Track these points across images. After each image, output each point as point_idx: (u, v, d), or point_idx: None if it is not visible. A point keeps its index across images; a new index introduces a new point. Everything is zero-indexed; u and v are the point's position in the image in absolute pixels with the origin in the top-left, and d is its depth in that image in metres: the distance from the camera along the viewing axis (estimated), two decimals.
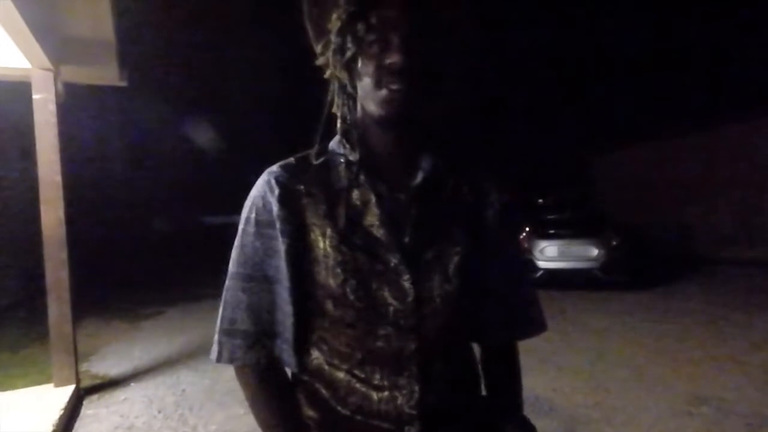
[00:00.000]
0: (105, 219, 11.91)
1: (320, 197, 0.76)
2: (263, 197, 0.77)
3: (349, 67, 0.75)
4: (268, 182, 0.77)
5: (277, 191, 0.76)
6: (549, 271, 7.65)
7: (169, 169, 14.56)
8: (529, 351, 3.37)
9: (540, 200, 10.50)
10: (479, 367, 0.89)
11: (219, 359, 0.77)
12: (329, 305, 0.75)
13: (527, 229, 8.25)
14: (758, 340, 4.64)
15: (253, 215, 0.77)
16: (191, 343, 5.22)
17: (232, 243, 0.80)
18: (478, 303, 0.83)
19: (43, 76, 3.61)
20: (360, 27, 0.72)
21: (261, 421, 0.79)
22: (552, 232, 8.17)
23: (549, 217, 9.03)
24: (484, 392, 0.89)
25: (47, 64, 3.52)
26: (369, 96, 0.73)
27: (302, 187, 0.77)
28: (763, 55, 11.77)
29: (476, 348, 0.89)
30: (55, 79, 3.66)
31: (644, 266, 8.67)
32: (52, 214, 3.59)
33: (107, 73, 4.21)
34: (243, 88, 15.30)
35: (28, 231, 6.33)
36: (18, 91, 3.88)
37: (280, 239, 0.75)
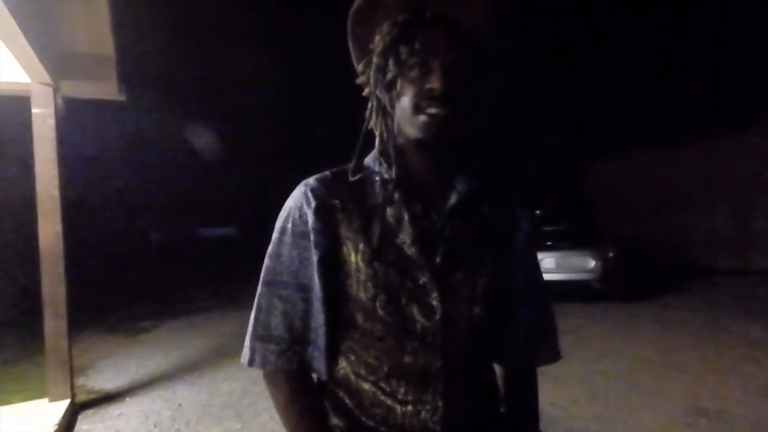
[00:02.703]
0: (102, 232, 11.89)
1: (355, 213, 0.78)
2: (300, 208, 0.79)
3: (390, 88, 0.78)
4: (305, 194, 0.79)
5: (313, 204, 0.78)
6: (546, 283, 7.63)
7: (166, 182, 14.59)
8: None
9: (537, 212, 10.54)
10: (499, 384, 0.91)
11: (251, 364, 0.78)
12: (359, 318, 0.76)
13: None
14: (758, 350, 4.64)
15: (289, 225, 0.79)
16: (187, 356, 5.18)
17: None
18: (502, 327, 0.86)
19: (43, 91, 3.63)
20: (403, 50, 0.75)
21: (292, 427, 0.79)
22: (549, 243, 8.19)
23: (546, 228, 9.06)
24: (502, 409, 0.91)
25: (47, 79, 3.55)
26: (407, 118, 0.75)
27: (338, 201, 0.79)
28: (760, 62, 11.83)
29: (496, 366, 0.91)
30: (55, 94, 3.69)
31: (642, 277, 8.67)
32: (49, 229, 3.59)
33: (106, 88, 4.24)
34: (242, 101, 15.39)
35: (25, 245, 6.32)
36: (18, 104, 3.90)
37: (313, 251, 0.77)
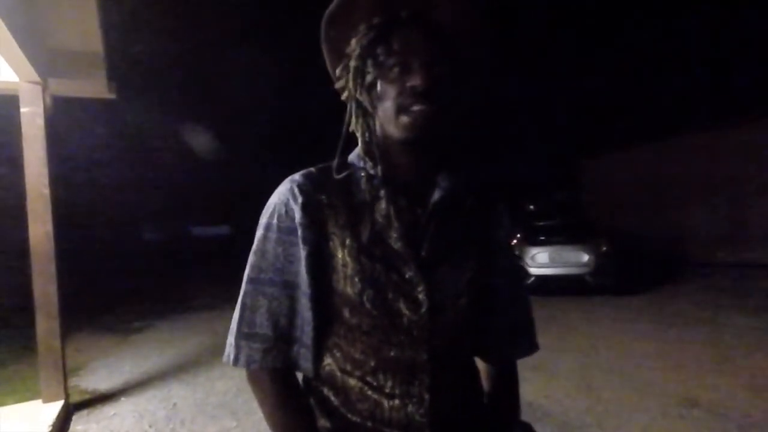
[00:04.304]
0: (94, 231, 11.81)
1: (341, 209, 0.78)
2: (286, 204, 0.78)
3: (370, 90, 0.77)
4: (291, 190, 0.79)
5: (300, 199, 0.77)
6: (540, 278, 7.69)
7: (159, 181, 14.50)
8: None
9: (531, 206, 10.60)
10: (481, 378, 0.92)
11: (235, 363, 0.78)
12: (346, 313, 0.77)
13: (518, 235, 8.31)
14: (749, 342, 4.70)
15: (274, 221, 0.78)
16: (182, 355, 5.16)
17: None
18: (484, 320, 0.87)
19: (31, 90, 3.59)
20: (380, 51, 0.75)
21: (277, 426, 0.78)
22: (543, 238, 8.23)
23: (540, 223, 9.12)
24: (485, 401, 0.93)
25: (35, 77, 3.50)
26: (391, 119, 0.75)
27: (324, 197, 0.79)
28: (761, 56, 11.90)
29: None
30: (43, 93, 3.64)
31: (635, 271, 8.74)
32: (39, 228, 3.55)
33: (95, 86, 4.20)
34: (236, 99, 15.30)
35: (17, 244, 6.26)
36: (6, 103, 3.86)
37: (301, 246, 0.77)
